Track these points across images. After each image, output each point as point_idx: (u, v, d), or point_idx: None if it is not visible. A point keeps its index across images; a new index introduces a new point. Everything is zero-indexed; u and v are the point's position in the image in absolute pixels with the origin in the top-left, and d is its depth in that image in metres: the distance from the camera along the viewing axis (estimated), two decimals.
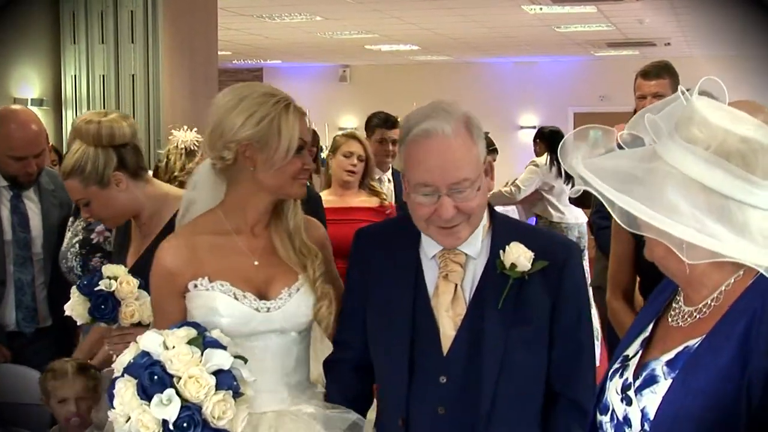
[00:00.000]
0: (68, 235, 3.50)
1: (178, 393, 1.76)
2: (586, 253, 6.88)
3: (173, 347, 1.80)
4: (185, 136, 4.58)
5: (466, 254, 2.02)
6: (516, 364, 1.96)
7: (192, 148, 4.53)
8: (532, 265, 1.97)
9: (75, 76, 6.45)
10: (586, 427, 1.95)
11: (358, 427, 2.07)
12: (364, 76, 15.19)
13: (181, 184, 4.27)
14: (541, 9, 9.43)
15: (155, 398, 1.75)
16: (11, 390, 3.06)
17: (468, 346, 1.98)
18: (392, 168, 5.05)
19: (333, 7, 9.38)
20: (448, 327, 2.00)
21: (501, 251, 1.98)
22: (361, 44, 12.44)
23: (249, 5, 9.12)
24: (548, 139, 7.10)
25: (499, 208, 2.18)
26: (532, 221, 6.85)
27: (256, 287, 2.10)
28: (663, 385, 1.51)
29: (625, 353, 1.66)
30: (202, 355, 1.80)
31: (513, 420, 1.98)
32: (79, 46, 6.42)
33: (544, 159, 6.96)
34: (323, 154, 5.92)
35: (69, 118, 6.36)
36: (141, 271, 2.58)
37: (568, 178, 6.48)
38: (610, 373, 1.66)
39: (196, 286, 2.08)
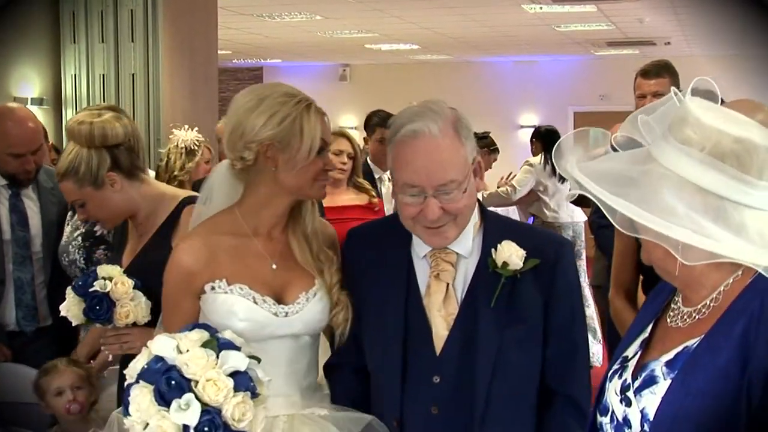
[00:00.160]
0: (67, 229, 3.50)
1: (196, 397, 1.72)
2: (583, 253, 6.88)
3: (187, 351, 1.76)
4: (185, 136, 4.59)
5: (457, 253, 2.01)
6: (509, 363, 1.96)
7: (192, 147, 4.54)
8: (524, 263, 1.96)
9: (75, 75, 6.45)
10: (583, 423, 1.96)
11: (373, 429, 2.04)
12: (364, 75, 15.18)
13: (181, 184, 4.29)
14: (541, 8, 9.43)
15: (174, 404, 1.72)
16: (12, 389, 3.07)
17: (461, 345, 1.97)
18: None
19: (333, 6, 9.37)
20: (440, 327, 2.00)
21: (492, 250, 1.98)
22: (361, 43, 12.43)
23: (249, 4, 9.12)
24: (544, 139, 7.10)
25: (500, 210, 2.18)
26: (530, 221, 6.85)
27: (274, 291, 2.08)
28: (662, 386, 1.51)
29: (625, 354, 1.66)
30: (217, 357, 1.77)
31: (507, 419, 1.98)
32: (79, 45, 6.41)
33: (538, 159, 6.97)
34: None
35: (69, 117, 6.34)
36: (137, 270, 2.58)
37: (563, 178, 6.48)
38: (609, 374, 1.66)
39: (213, 288, 2.05)
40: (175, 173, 4.49)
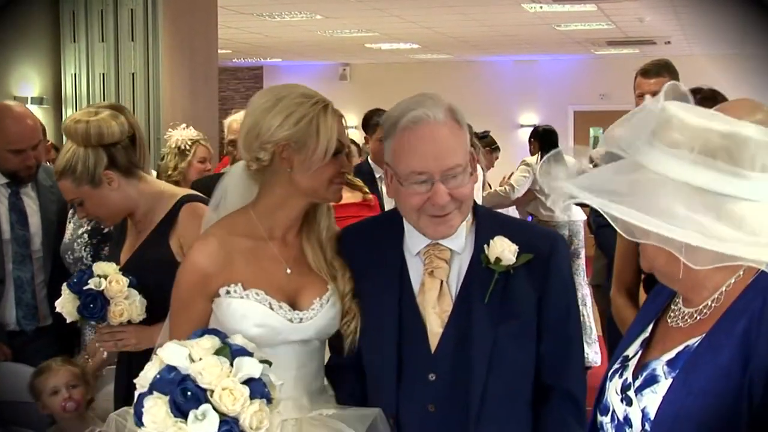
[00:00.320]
0: (70, 226, 3.50)
1: (213, 407, 1.69)
2: (581, 251, 6.88)
3: (200, 359, 1.73)
4: (180, 134, 4.57)
5: (450, 250, 2.01)
6: (504, 359, 1.96)
7: (183, 147, 4.52)
8: (517, 258, 1.96)
9: (75, 74, 6.45)
10: (579, 417, 1.96)
11: (376, 424, 2.02)
12: (364, 74, 15.18)
13: (176, 184, 4.28)
14: (541, 7, 9.42)
15: (191, 415, 1.68)
16: (12, 389, 3.07)
17: (456, 342, 1.97)
18: None
19: (333, 6, 9.37)
20: (435, 324, 1.99)
21: (485, 246, 1.98)
22: (361, 43, 12.43)
23: (249, 4, 9.11)
24: (542, 138, 7.10)
25: (501, 210, 2.18)
26: (529, 220, 6.85)
27: (288, 296, 2.06)
28: (663, 385, 1.51)
29: (625, 354, 1.66)
30: (231, 364, 1.74)
31: (503, 415, 1.98)
32: (79, 44, 6.41)
33: (535, 158, 6.97)
34: None
35: (69, 116, 6.35)
36: (134, 267, 2.58)
37: None
38: (609, 374, 1.66)
39: (228, 292, 2.02)
40: (169, 173, 4.48)
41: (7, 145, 3.32)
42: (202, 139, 4.65)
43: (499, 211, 5.88)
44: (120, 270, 2.55)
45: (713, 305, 1.52)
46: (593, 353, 6.34)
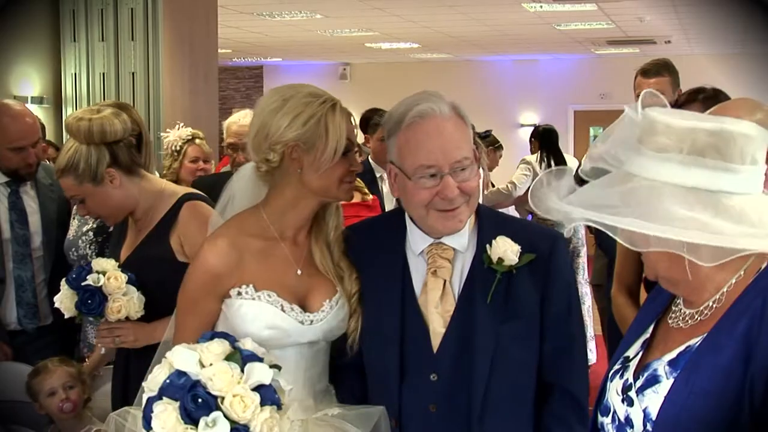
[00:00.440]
0: (75, 223, 3.49)
1: (224, 414, 1.68)
2: (582, 250, 6.88)
3: (210, 365, 1.71)
4: (174, 134, 4.57)
5: (453, 249, 2.01)
6: (507, 359, 1.96)
7: (175, 147, 4.52)
8: (519, 258, 1.96)
9: (75, 73, 6.44)
10: (581, 416, 1.96)
11: (384, 419, 2.02)
12: (364, 73, 15.17)
13: None
14: (541, 7, 9.42)
15: (201, 422, 1.67)
16: (12, 388, 3.07)
17: (458, 342, 1.97)
18: None
19: (333, 5, 9.37)
20: (437, 324, 1.99)
21: (487, 246, 1.98)
22: (361, 42, 12.43)
23: (249, 3, 9.11)
24: (542, 137, 7.10)
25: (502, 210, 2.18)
26: (529, 218, 6.85)
27: (298, 298, 2.06)
28: (665, 385, 1.51)
29: (626, 354, 1.66)
30: (242, 370, 1.72)
31: (505, 415, 1.98)
32: (79, 43, 6.41)
33: (534, 157, 6.97)
34: None
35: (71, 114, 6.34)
36: (134, 265, 2.59)
37: None
38: (610, 375, 1.66)
39: (240, 293, 2.01)
40: (164, 172, 4.48)
41: (8, 143, 3.32)
42: (198, 137, 4.63)
43: (503, 211, 5.91)
44: (120, 267, 2.55)
45: (714, 306, 1.52)
46: (588, 351, 6.37)
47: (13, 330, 3.41)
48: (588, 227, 3.87)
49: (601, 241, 3.65)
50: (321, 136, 1.99)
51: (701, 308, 1.54)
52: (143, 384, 1.78)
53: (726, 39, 11.44)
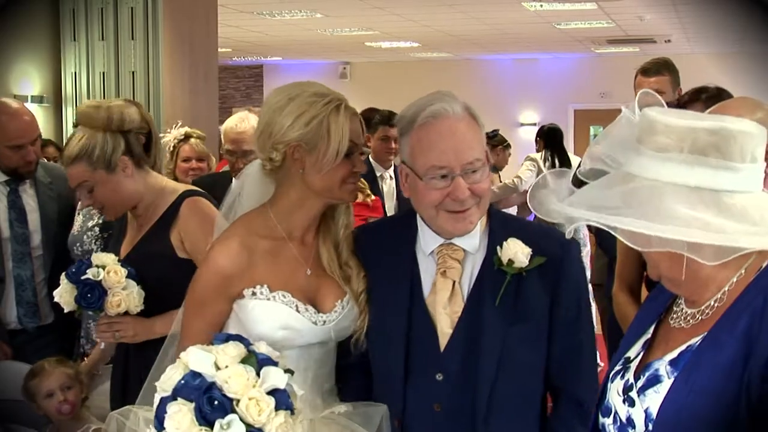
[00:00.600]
0: (79, 218, 3.49)
1: (239, 417, 1.66)
2: (583, 249, 6.89)
3: (226, 367, 1.70)
4: (171, 134, 4.57)
5: (464, 250, 2.00)
6: (513, 361, 1.95)
7: (169, 147, 4.52)
8: (530, 261, 1.96)
9: (75, 73, 6.45)
10: (586, 422, 1.95)
11: (386, 418, 2.01)
12: (364, 73, 15.18)
13: None
14: (541, 6, 9.43)
15: (216, 424, 1.66)
16: (12, 387, 3.06)
17: (465, 343, 1.97)
18: (394, 164, 5.05)
19: (333, 4, 9.37)
20: (444, 324, 1.99)
21: (498, 247, 1.98)
22: (361, 41, 12.43)
23: (249, 2, 9.11)
24: (546, 136, 7.11)
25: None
26: (531, 218, 6.85)
27: (309, 298, 2.05)
28: (666, 385, 1.51)
29: (627, 355, 1.66)
30: (257, 374, 1.71)
31: (511, 417, 1.98)
32: (79, 43, 6.41)
33: (539, 154, 6.99)
34: None
35: (69, 115, 6.35)
36: (134, 261, 2.60)
37: None
38: (611, 375, 1.66)
39: (254, 294, 2.00)
40: (163, 172, 4.48)
41: (6, 141, 3.31)
42: (193, 136, 4.61)
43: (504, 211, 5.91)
44: (119, 262, 2.56)
45: (716, 305, 1.52)
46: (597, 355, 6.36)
47: (13, 329, 3.40)
48: (589, 227, 3.86)
49: (602, 241, 3.65)
50: (323, 138, 1.97)
51: (702, 307, 1.54)
52: (156, 384, 1.76)
53: (726, 38, 11.45)
